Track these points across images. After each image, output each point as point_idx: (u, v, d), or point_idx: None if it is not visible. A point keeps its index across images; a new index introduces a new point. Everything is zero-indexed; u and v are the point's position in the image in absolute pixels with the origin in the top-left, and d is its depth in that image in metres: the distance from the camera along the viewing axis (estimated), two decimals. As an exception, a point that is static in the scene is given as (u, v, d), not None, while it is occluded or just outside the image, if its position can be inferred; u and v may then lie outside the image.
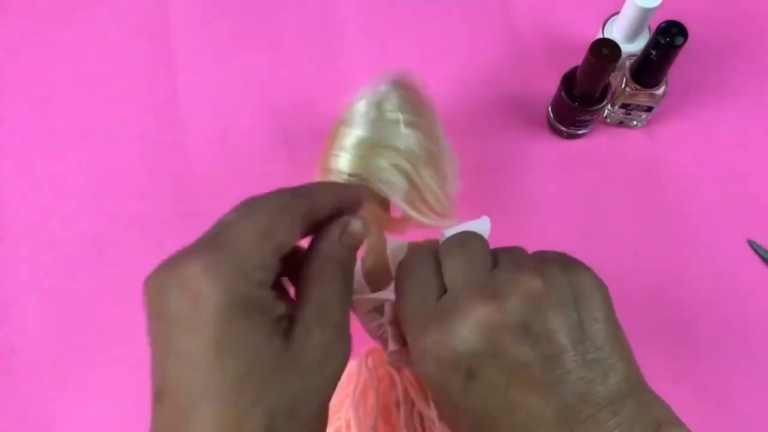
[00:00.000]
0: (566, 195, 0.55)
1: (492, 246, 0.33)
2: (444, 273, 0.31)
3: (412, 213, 0.43)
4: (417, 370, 0.31)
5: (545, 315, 0.28)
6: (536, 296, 0.29)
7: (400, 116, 0.43)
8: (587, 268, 0.31)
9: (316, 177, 0.45)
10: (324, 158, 0.45)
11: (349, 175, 0.42)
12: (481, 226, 0.36)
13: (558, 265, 0.30)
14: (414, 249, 0.34)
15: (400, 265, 0.33)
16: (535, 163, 0.56)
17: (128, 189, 0.55)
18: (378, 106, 0.43)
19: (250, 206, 0.29)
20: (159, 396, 0.27)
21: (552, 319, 0.28)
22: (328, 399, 0.30)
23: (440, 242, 0.33)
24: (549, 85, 0.55)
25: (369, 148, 0.43)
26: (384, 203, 0.44)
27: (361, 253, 0.39)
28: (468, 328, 0.28)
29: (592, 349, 0.28)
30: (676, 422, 0.28)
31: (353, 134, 0.43)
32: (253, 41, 0.60)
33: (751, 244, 0.53)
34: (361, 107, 0.43)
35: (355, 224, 0.32)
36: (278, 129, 0.57)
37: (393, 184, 0.42)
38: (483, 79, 0.59)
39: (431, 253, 0.33)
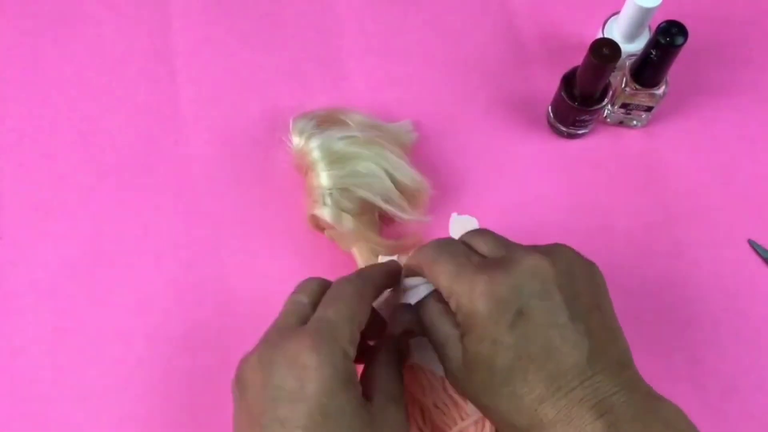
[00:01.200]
0: (566, 195, 0.55)
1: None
2: (479, 249, 0.36)
3: (398, 211, 0.49)
4: (459, 312, 0.34)
5: (575, 277, 0.34)
6: (570, 259, 0.34)
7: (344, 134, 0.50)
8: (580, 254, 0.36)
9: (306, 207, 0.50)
10: (306, 194, 0.50)
11: (329, 189, 0.47)
12: (471, 219, 0.44)
13: (562, 246, 0.36)
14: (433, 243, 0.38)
15: (432, 242, 0.37)
16: (535, 163, 0.56)
17: (128, 189, 0.55)
18: (308, 127, 0.50)
19: (335, 296, 0.35)
20: None
21: (578, 281, 0.34)
22: None
23: (451, 222, 0.41)
24: (549, 85, 0.55)
25: (339, 159, 0.48)
26: (374, 226, 0.50)
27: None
28: (527, 270, 0.33)
29: (605, 318, 0.34)
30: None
31: (315, 153, 0.48)
32: (253, 41, 0.60)
33: (751, 244, 0.53)
34: (312, 146, 0.50)
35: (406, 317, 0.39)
36: (278, 129, 0.57)
37: (373, 184, 0.48)
38: (483, 79, 0.59)
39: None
